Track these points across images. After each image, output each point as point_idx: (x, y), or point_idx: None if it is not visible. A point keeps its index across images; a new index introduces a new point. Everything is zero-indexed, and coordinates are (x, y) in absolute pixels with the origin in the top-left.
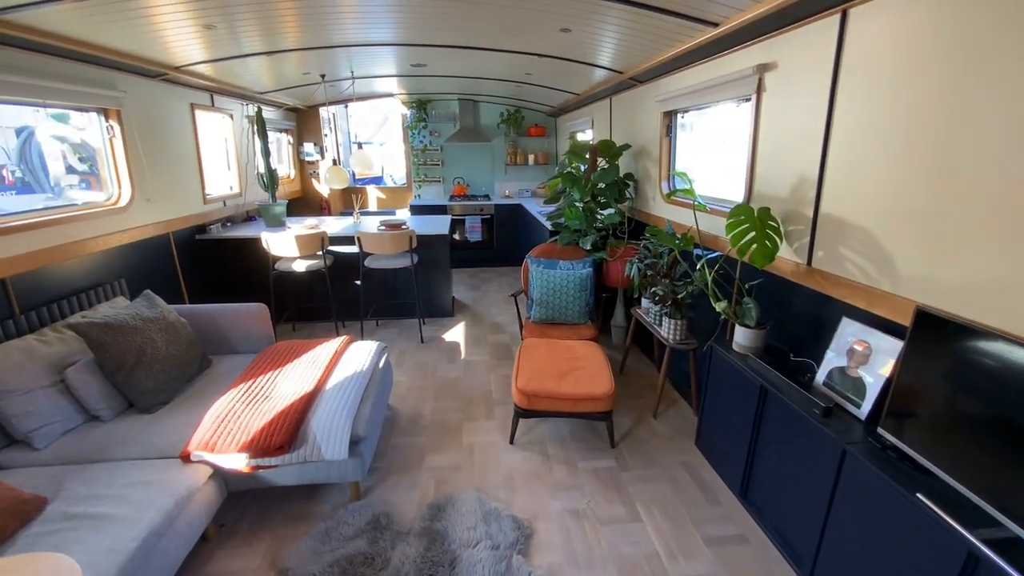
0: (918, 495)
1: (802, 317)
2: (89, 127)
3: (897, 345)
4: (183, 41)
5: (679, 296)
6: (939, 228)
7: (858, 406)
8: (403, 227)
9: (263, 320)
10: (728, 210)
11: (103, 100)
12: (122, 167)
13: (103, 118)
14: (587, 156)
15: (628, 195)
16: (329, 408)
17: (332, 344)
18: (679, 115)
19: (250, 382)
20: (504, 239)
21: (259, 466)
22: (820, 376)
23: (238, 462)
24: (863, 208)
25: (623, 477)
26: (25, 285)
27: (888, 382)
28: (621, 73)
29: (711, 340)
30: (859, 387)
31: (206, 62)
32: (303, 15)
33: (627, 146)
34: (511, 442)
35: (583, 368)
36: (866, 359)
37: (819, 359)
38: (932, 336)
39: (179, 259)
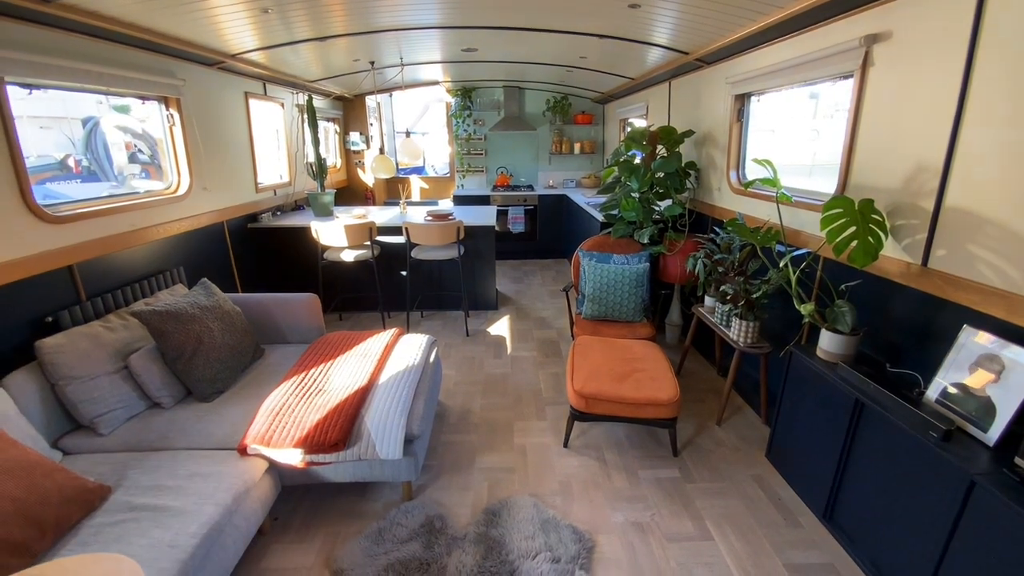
0: None
1: (904, 323)
2: (150, 117)
3: None
4: (239, 27)
5: (753, 295)
6: None
7: (985, 430)
8: (450, 218)
9: (314, 310)
10: (812, 203)
11: (164, 88)
12: (181, 156)
13: (164, 107)
14: (646, 143)
15: (689, 185)
16: (383, 405)
17: (383, 337)
18: (753, 99)
19: (303, 374)
20: (548, 230)
21: (313, 462)
22: (933, 392)
23: (293, 457)
24: (1007, 201)
25: (689, 489)
26: (91, 272)
27: None
28: (686, 54)
29: (791, 345)
30: (987, 408)
31: (260, 49)
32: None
33: (690, 132)
34: (565, 445)
35: (643, 370)
36: (997, 375)
37: (925, 371)
38: None
39: (232, 247)
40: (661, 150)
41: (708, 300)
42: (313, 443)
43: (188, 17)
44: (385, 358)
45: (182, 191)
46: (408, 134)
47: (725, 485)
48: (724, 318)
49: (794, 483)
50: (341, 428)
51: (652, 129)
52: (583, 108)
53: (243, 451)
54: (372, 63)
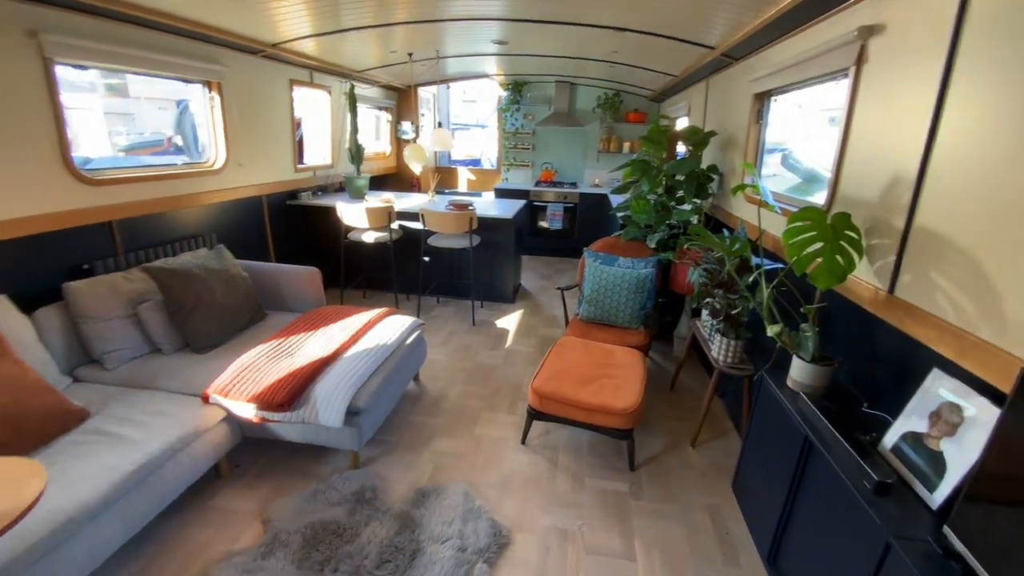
0: None
1: (884, 359)
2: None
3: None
4: (277, 17)
5: (733, 311)
6: None
7: (931, 489)
8: (468, 208)
9: (314, 283)
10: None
11: (208, 73)
12: (220, 134)
13: (207, 89)
14: (664, 143)
15: (710, 190)
16: (336, 376)
17: (369, 314)
18: (772, 98)
19: (282, 339)
20: (587, 230)
21: (266, 419)
22: (890, 439)
23: (247, 411)
24: (973, 223)
25: (632, 506)
26: (128, 229)
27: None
28: (713, 48)
29: (762, 369)
30: (938, 464)
31: (298, 39)
32: None
33: (712, 133)
34: (522, 442)
35: (613, 377)
36: (954, 429)
37: (898, 416)
38: None
39: (270, 220)
40: (685, 152)
41: (704, 313)
42: (264, 400)
43: (232, 9)
44: (362, 334)
45: (218, 165)
46: (440, 124)
47: (673, 509)
48: (711, 334)
49: (749, 519)
50: (290, 391)
51: (672, 128)
52: (637, 106)
53: (205, 399)
54: (411, 55)
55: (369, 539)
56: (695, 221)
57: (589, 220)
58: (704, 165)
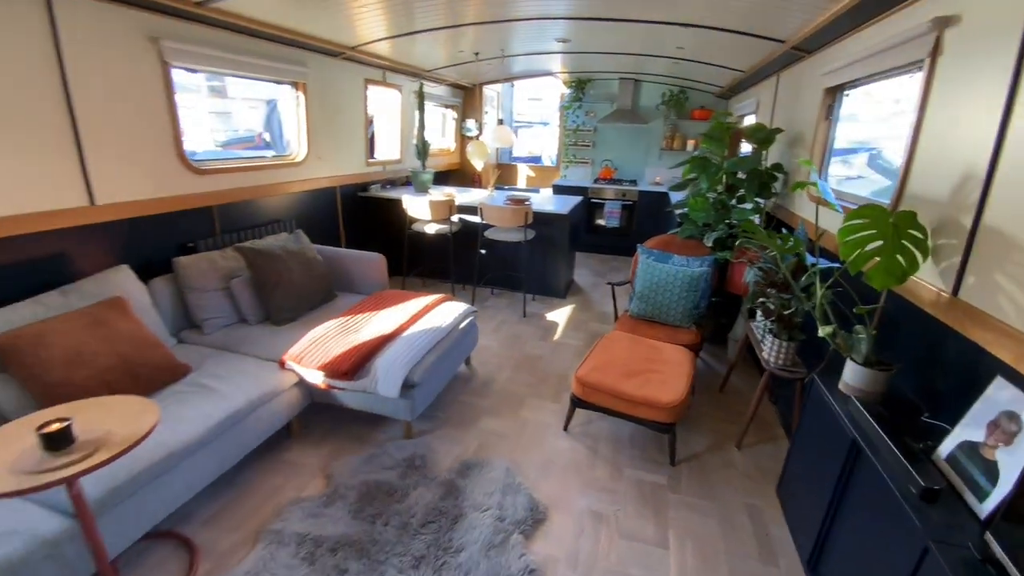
0: None
1: (948, 366)
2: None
3: None
4: (357, 22)
5: (786, 312)
6: None
7: (982, 499)
8: (525, 203)
9: (379, 269)
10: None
11: (295, 75)
12: (303, 129)
13: (294, 89)
14: (726, 141)
15: (774, 190)
16: (395, 351)
17: (427, 299)
18: (844, 93)
19: (349, 317)
20: (645, 228)
21: (332, 385)
22: (946, 448)
23: (316, 377)
24: None
25: (669, 498)
26: (225, 213)
27: None
28: (783, 42)
29: (814, 371)
30: (991, 474)
31: (374, 41)
32: None
33: (778, 130)
34: (564, 429)
35: (659, 372)
36: (1011, 438)
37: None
38: None
39: (342, 210)
40: (748, 150)
41: (758, 315)
42: (331, 369)
43: (316, 15)
44: (419, 316)
45: (300, 158)
46: (501, 121)
47: (711, 506)
48: (762, 334)
49: (792, 523)
50: (354, 362)
51: (736, 125)
52: (703, 103)
53: (282, 364)
54: (477, 54)
55: (416, 501)
56: (756, 220)
57: (648, 218)
58: (769, 163)
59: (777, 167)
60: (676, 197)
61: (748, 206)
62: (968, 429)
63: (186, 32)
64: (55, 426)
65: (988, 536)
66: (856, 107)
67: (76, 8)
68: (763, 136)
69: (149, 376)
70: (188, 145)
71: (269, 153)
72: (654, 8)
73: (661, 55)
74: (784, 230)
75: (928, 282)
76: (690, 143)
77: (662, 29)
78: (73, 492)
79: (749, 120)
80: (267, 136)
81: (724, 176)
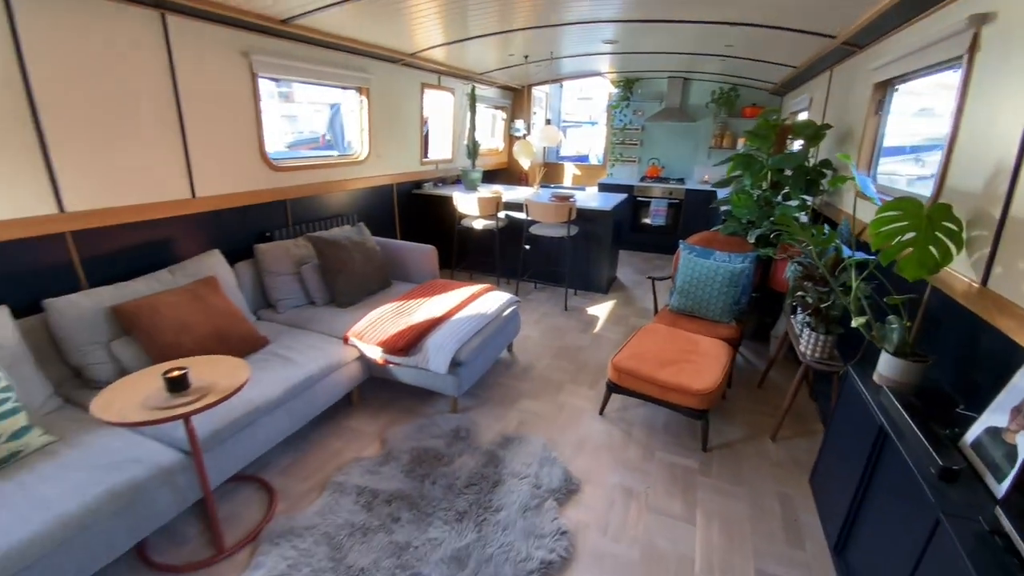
0: None
1: (983, 358)
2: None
3: None
4: (416, 30)
5: (823, 305)
6: None
7: (1000, 480)
8: (569, 200)
9: (431, 260)
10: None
11: (360, 80)
12: (365, 130)
13: (358, 93)
14: (771, 137)
15: (822, 187)
16: (445, 332)
17: (473, 287)
18: (894, 89)
19: (403, 301)
20: (691, 227)
21: (388, 360)
22: (971, 434)
23: (375, 353)
24: None
25: (699, 480)
26: (297, 207)
27: None
28: (833, 37)
29: (849, 363)
30: (1011, 456)
31: (430, 48)
32: (515, 1)
33: (827, 126)
34: (600, 413)
35: (694, 363)
36: None
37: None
38: None
39: (398, 205)
40: (796, 147)
41: (798, 309)
42: (389, 345)
43: (380, 26)
44: (466, 303)
45: (363, 157)
46: (548, 121)
47: (741, 490)
48: (800, 328)
49: (822, 511)
50: (409, 340)
51: (784, 122)
52: (755, 100)
53: (345, 340)
54: (527, 57)
55: (461, 466)
56: (803, 217)
57: (695, 217)
58: (817, 160)
59: (825, 163)
60: (723, 194)
61: (794, 203)
62: (994, 416)
63: (271, 46)
64: (176, 373)
65: (998, 510)
66: (932, 102)
67: (185, 27)
68: (811, 133)
69: (236, 345)
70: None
71: (333, 153)
72: (701, 8)
73: (710, 53)
74: (827, 226)
75: (961, 273)
76: (740, 141)
77: (710, 28)
78: (189, 427)
79: (803, 116)
80: (329, 137)
81: (769, 173)
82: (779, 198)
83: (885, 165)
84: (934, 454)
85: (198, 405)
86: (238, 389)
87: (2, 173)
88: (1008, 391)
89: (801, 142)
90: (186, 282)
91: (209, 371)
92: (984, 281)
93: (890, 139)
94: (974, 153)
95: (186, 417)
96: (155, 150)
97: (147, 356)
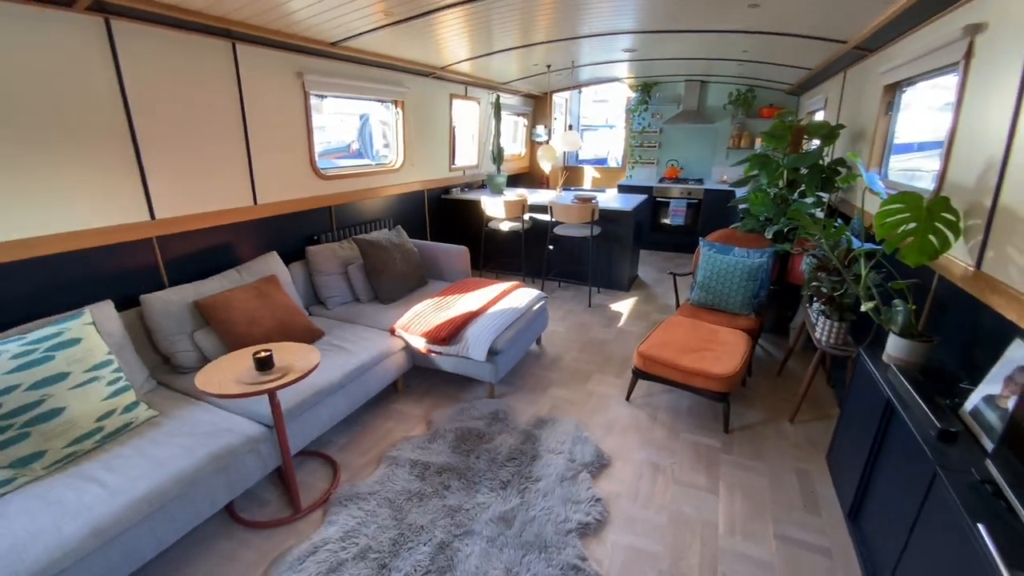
0: (979, 524)
1: (983, 336)
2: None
3: None
4: (445, 47)
5: (836, 293)
6: None
7: (994, 439)
8: (592, 201)
9: (464, 259)
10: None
11: (396, 94)
12: (400, 140)
13: (394, 106)
14: (787, 138)
15: (838, 185)
16: (482, 324)
17: (504, 284)
18: (902, 90)
19: (441, 297)
20: (710, 226)
21: (431, 350)
22: (970, 402)
23: (419, 343)
24: None
25: (721, 457)
26: (340, 212)
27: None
28: (844, 42)
29: (861, 346)
30: (1004, 419)
31: (459, 62)
32: (537, 17)
33: (841, 126)
34: (627, 399)
35: (715, 351)
36: (1020, 388)
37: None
38: None
39: (429, 210)
40: (812, 146)
41: (814, 300)
42: (432, 336)
43: (415, 44)
44: (499, 299)
45: (398, 165)
46: (569, 127)
47: (761, 466)
48: (816, 317)
49: (837, 483)
50: (450, 331)
51: (799, 124)
52: (771, 101)
53: (392, 332)
54: (549, 66)
55: (501, 443)
56: (819, 213)
57: (713, 216)
58: (832, 158)
59: (839, 161)
60: (741, 193)
61: (809, 200)
62: (990, 385)
63: (320, 67)
64: (263, 354)
65: (988, 462)
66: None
67: (250, 54)
68: (825, 132)
69: (298, 336)
70: None
71: (361, 161)
72: (715, 20)
73: (726, 58)
74: (840, 220)
75: (959, 259)
76: (757, 141)
77: (724, 36)
78: (275, 401)
79: (819, 116)
80: (358, 145)
81: (785, 172)
82: (795, 196)
83: (910, 161)
84: (934, 419)
85: (283, 381)
86: (312, 369)
87: (110, 186)
88: (1001, 363)
89: (817, 141)
90: (252, 280)
91: (286, 355)
92: (978, 265)
93: (913, 135)
94: (970, 150)
95: (272, 391)
96: (225, 163)
97: (223, 344)
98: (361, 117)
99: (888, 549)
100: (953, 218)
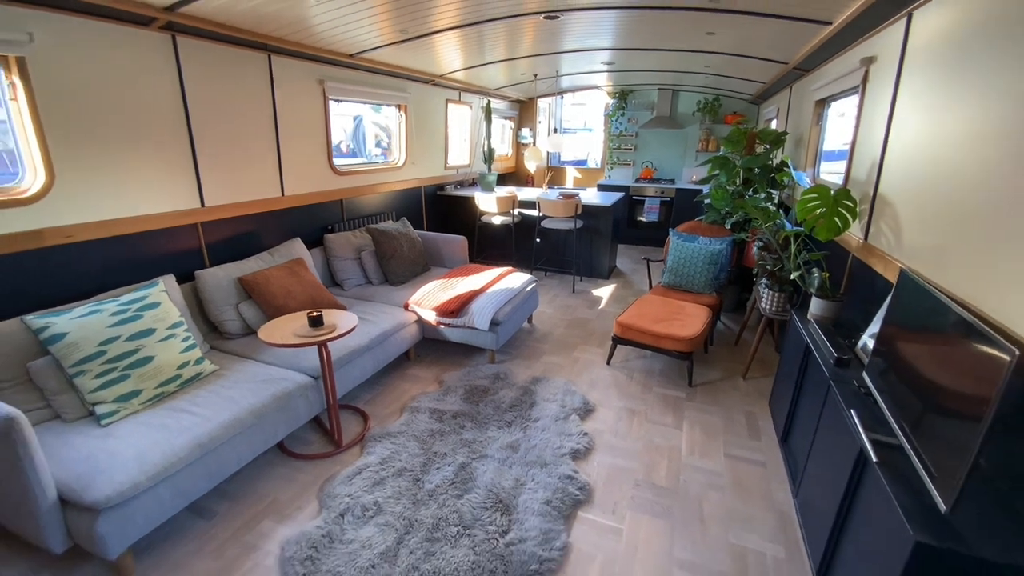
0: (851, 411)
1: (876, 294)
2: (391, 116)
3: None
4: (443, 58)
5: (776, 269)
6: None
7: None
8: (575, 197)
9: (462, 248)
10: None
11: (400, 99)
12: (403, 140)
13: (398, 109)
14: (743, 142)
15: (785, 182)
16: (484, 299)
17: (499, 269)
18: (828, 105)
19: (445, 280)
20: (681, 222)
21: (440, 322)
22: (861, 341)
23: (430, 316)
24: (900, 190)
25: (685, 404)
26: (350, 205)
27: None
28: (786, 63)
29: (792, 308)
30: None
31: (455, 71)
32: (523, 36)
33: (785, 133)
34: (607, 363)
35: (682, 320)
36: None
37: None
38: (903, 292)
39: (426, 205)
40: (763, 150)
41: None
42: (442, 309)
43: (418, 55)
44: (496, 281)
45: (400, 164)
46: (556, 130)
47: (718, 409)
48: (762, 291)
49: (775, 418)
50: (458, 305)
51: (752, 130)
52: (735, 108)
53: (405, 307)
54: (536, 75)
55: (504, 395)
56: (770, 207)
57: (684, 212)
58: (778, 161)
59: (784, 163)
60: (706, 190)
61: (761, 196)
62: (873, 327)
63: (338, 75)
64: (315, 313)
65: (863, 374)
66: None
67: (282, 64)
68: (773, 138)
69: (326, 309)
70: None
71: (356, 160)
72: (680, 41)
73: (692, 71)
74: (781, 211)
75: (856, 236)
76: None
77: (689, 55)
78: (326, 351)
79: (773, 124)
80: (352, 145)
81: (740, 172)
82: (750, 192)
83: (839, 165)
84: (833, 351)
85: (335, 334)
86: (355, 327)
87: (170, 177)
88: (881, 311)
89: (767, 146)
90: (283, 261)
91: (329, 317)
92: (866, 237)
93: (841, 144)
94: (863, 154)
95: (324, 343)
96: (260, 158)
97: (264, 315)
98: (355, 119)
99: (803, 450)
100: (852, 204)
